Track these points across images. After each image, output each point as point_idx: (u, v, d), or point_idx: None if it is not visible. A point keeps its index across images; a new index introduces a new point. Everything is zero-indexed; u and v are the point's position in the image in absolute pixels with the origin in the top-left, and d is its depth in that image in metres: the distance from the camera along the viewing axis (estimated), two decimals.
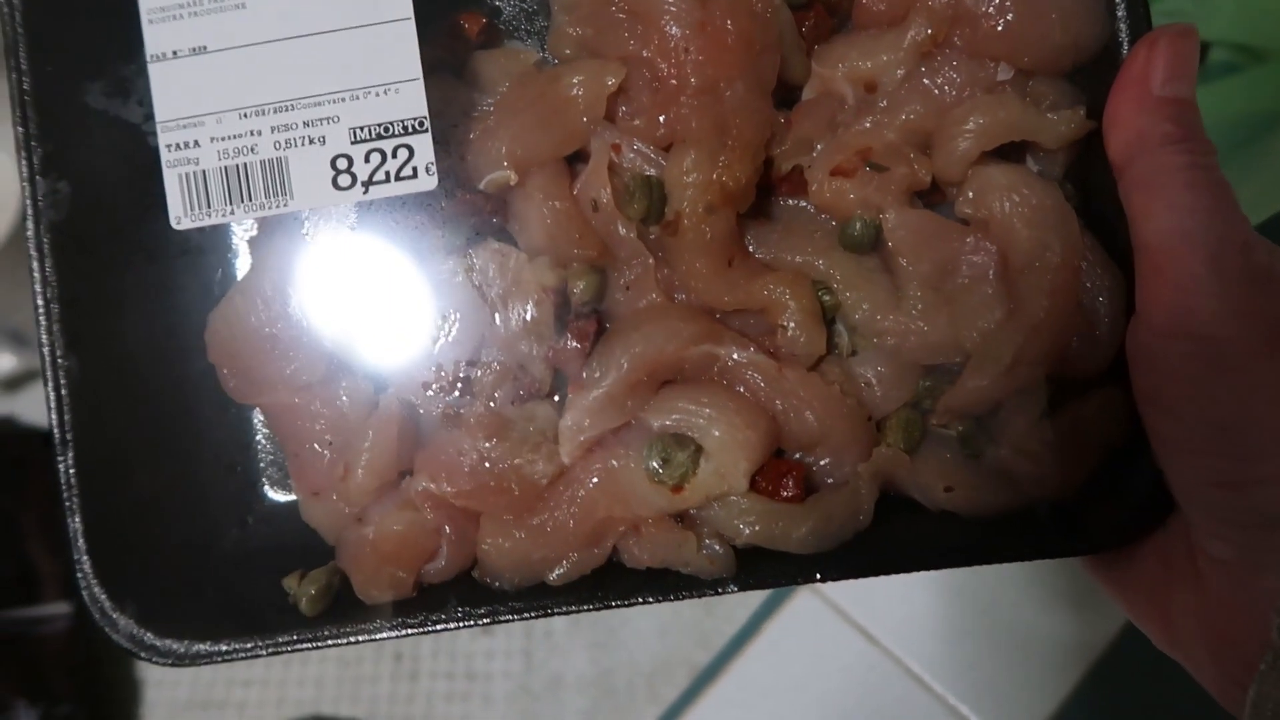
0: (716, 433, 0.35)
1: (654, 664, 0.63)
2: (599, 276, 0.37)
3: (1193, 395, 0.31)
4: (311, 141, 0.35)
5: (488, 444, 0.36)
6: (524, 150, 0.37)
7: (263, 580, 0.38)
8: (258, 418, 0.41)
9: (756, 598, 0.62)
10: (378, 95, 0.35)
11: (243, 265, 0.40)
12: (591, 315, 0.37)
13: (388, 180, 0.35)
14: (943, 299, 0.36)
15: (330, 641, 0.36)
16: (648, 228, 0.36)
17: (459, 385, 0.37)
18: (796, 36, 0.37)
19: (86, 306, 0.37)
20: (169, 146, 0.35)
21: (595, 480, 0.36)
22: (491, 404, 0.37)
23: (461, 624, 0.36)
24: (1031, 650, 0.60)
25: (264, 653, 0.36)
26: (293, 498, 0.40)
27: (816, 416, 0.36)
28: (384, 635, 0.36)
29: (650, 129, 0.36)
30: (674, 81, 0.36)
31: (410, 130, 0.35)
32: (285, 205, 0.35)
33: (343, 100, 0.35)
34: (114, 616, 0.36)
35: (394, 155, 0.35)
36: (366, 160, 0.35)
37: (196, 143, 0.35)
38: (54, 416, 0.36)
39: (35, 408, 0.69)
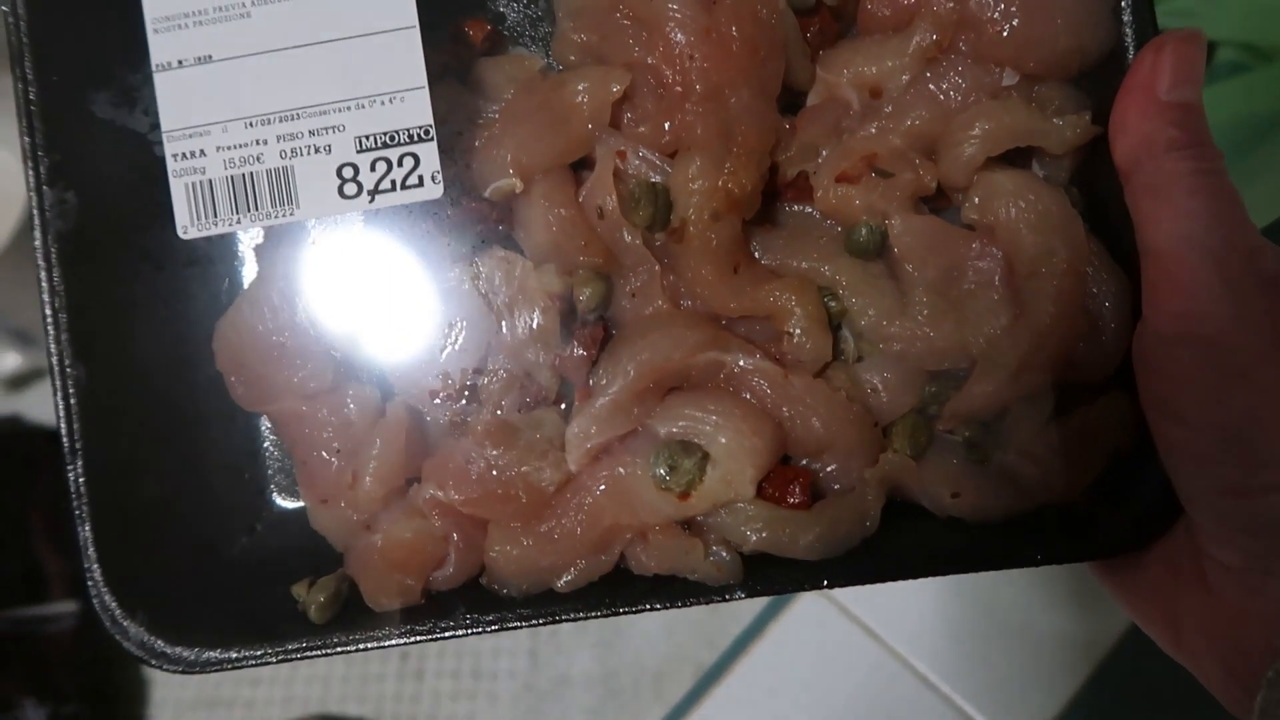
0: (723, 439, 0.35)
1: (660, 663, 0.63)
2: (605, 283, 0.37)
3: (1200, 401, 0.31)
4: (317, 150, 0.35)
5: (495, 452, 0.36)
6: (529, 157, 0.37)
7: (272, 587, 0.38)
8: (266, 425, 0.41)
9: (762, 598, 0.62)
10: (383, 104, 0.35)
11: (249, 274, 0.40)
12: (597, 322, 0.37)
13: (393, 189, 0.35)
14: (948, 304, 0.36)
15: (339, 648, 0.36)
16: (653, 234, 0.36)
17: (466, 393, 0.37)
18: (801, 42, 0.37)
19: (94, 315, 0.37)
20: (175, 156, 0.35)
21: (602, 487, 0.36)
22: (498, 411, 0.37)
23: (470, 631, 0.36)
24: (1037, 650, 0.60)
25: (274, 660, 0.36)
26: (301, 505, 0.40)
27: (823, 423, 0.36)
28: (393, 642, 0.36)
29: (655, 135, 0.36)
30: (679, 88, 0.36)
31: (416, 138, 0.35)
32: (291, 214, 0.35)
33: (348, 109, 0.35)
34: (125, 624, 0.37)
35: (399, 164, 0.35)
36: (372, 169, 0.35)
37: (202, 152, 0.35)
38: (63, 425, 0.36)
39: (41, 406, 0.69)
